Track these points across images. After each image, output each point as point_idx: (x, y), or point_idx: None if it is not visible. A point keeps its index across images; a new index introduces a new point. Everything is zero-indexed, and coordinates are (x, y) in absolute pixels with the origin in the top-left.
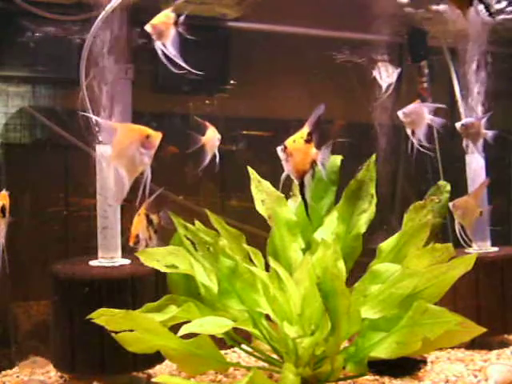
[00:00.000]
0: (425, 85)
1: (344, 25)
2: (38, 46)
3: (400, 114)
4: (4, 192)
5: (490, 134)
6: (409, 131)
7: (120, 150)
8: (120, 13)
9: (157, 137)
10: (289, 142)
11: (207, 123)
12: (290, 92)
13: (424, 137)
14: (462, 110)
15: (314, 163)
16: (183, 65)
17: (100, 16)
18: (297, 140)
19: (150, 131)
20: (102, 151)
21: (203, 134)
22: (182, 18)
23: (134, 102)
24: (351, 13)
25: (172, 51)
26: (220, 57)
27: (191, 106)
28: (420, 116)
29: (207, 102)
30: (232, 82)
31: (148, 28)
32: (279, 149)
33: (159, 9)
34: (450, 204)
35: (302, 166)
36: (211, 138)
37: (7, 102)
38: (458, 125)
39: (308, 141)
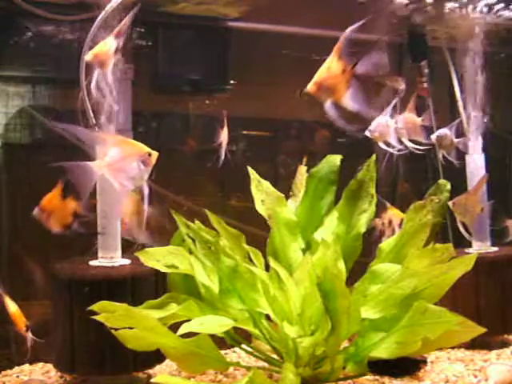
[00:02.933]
0: (425, 85)
1: (344, 25)
2: (38, 46)
3: (367, 133)
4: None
5: (460, 141)
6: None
7: (118, 164)
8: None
9: (156, 155)
10: None
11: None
12: (290, 92)
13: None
14: (461, 109)
15: None
16: (112, 97)
17: (100, 16)
18: None
19: (149, 149)
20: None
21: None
22: (120, 44)
23: (134, 102)
24: (351, 13)
25: (110, 81)
26: (220, 57)
27: (191, 106)
28: (385, 126)
29: (207, 102)
30: (232, 81)
31: (89, 57)
32: None
33: (159, 9)
34: (450, 203)
35: None
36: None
37: (7, 102)
38: (433, 137)
39: None
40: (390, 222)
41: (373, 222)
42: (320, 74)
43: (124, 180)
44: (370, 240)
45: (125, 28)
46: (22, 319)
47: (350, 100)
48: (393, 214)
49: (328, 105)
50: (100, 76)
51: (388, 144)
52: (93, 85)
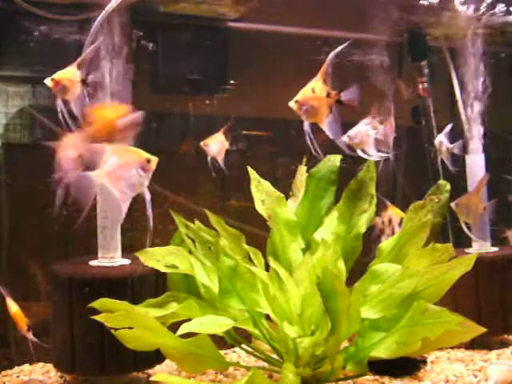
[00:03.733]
0: (425, 85)
1: (344, 25)
2: (38, 46)
3: (345, 138)
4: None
5: (455, 145)
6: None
7: (117, 172)
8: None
9: (155, 161)
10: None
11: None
12: (290, 92)
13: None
14: (461, 109)
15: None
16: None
17: (100, 16)
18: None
19: (148, 155)
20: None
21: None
22: (91, 77)
23: (134, 102)
24: (351, 13)
25: (76, 111)
26: (220, 57)
27: (191, 106)
28: (365, 135)
29: (207, 101)
30: (232, 81)
31: (48, 82)
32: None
33: (159, 8)
34: (453, 204)
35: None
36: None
37: (7, 102)
38: (436, 142)
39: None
40: (390, 221)
41: (373, 220)
42: (304, 93)
43: (124, 188)
44: (370, 238)
45: (87, 59)
46: (23, 319)
47: (328, 125)
48: (393, 212)
49: (306, 125)
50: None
51: (365, 152)
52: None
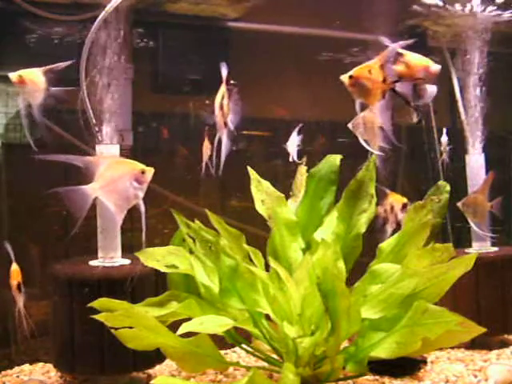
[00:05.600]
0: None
1: (344, 25)
2: (38, 46)
3: (349, 126)
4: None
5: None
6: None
7: (111, 185)
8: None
9: (150, 172)
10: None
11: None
12: (290, 92)
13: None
14: (461, 109)
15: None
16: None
17: (100, 16)
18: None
19: (143, 166)
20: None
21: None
22: (55, 89)
23: (134, 102)
24: (351, 13)
25: (38, 117)
26: (220, 57)
27: (191, 106)
28: (369, 122)
29: (207, 102)
30: (232, 81)
31: (13, 77)
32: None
33: (159, 8)
34: (459, 204)
35: None
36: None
37: (7, 101)
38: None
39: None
40: (392, 208)
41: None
42: (359, 71)
43: (119, 200)
44: (374, 229)
45: (56, 70)
46: (17, 277)
47: (380, 109)
48: (394, 199)
49: (358, 105)
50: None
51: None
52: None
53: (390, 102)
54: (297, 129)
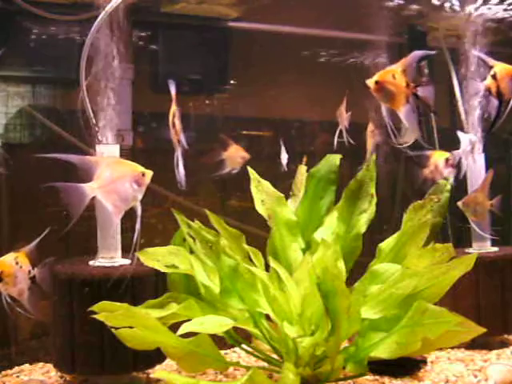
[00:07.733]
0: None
1: (344, 25)
2: (38, 46)
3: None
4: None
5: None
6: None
7: (111, 185)
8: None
9: (149, 174)
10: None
11: (230, 141)
12: (290, 92)
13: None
14: (461, 109)
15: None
16: None
17: (100, 16)
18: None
19: (143, 168)
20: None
21: (225, 149)
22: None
23: (134, 102)
24: (351, 13)
25: None
26: (220, 57)
27: (191, 106)
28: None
29: (207, 102)
30: (232, 81)
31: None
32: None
33: (159, 8)
34: (460, 203)
35: None
36: (232, 154)
37: (7, 102)
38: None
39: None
40: (437, 167)
41: (421, 174)
42: (384, 76)
43: (117, 201)
44: (424, 192)
45: None
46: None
47: (406, 113)
48: (437, 158)
49: (384, 109)
50: None
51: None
52: None
53: (415, 106)
54: (283, 147)
